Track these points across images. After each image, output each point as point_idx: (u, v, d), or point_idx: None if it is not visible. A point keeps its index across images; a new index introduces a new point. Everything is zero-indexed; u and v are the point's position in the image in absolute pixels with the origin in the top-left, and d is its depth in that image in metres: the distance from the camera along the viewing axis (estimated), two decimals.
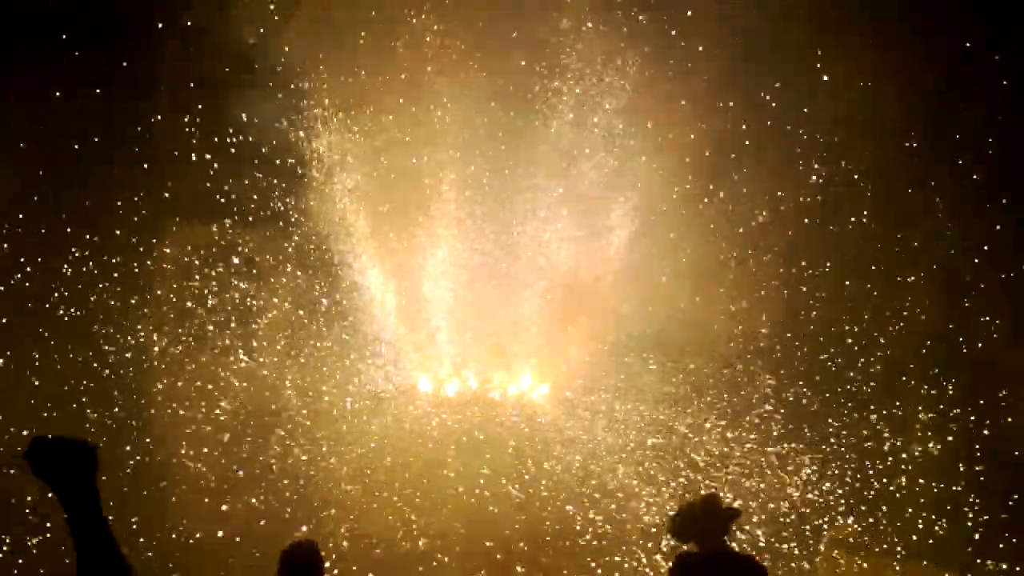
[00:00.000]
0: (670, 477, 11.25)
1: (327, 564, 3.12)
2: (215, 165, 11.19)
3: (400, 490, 10.69)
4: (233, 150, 11.26)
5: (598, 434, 10.30)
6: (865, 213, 9.80)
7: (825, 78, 9.00)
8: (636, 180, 10.12)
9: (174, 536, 10.95)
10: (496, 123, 9.74)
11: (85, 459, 2.08)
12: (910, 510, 9.81)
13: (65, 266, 10.76)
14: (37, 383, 10.10)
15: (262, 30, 9.77)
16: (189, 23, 10.33)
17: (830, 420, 10.58)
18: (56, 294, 10.77)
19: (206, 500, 11.70)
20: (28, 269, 10.60)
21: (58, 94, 10.33)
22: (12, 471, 8.54)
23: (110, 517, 2.15)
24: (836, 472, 10.76)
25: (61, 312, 10.62)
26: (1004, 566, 9.33)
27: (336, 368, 10.83)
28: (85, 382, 10.59)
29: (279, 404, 11.77)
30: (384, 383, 10.21)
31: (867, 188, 9.59)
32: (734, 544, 3.08)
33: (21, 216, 10.74)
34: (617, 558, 9.80)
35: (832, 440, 10.64)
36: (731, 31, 9.00)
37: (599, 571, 9.86)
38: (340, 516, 10.86)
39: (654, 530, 10.87)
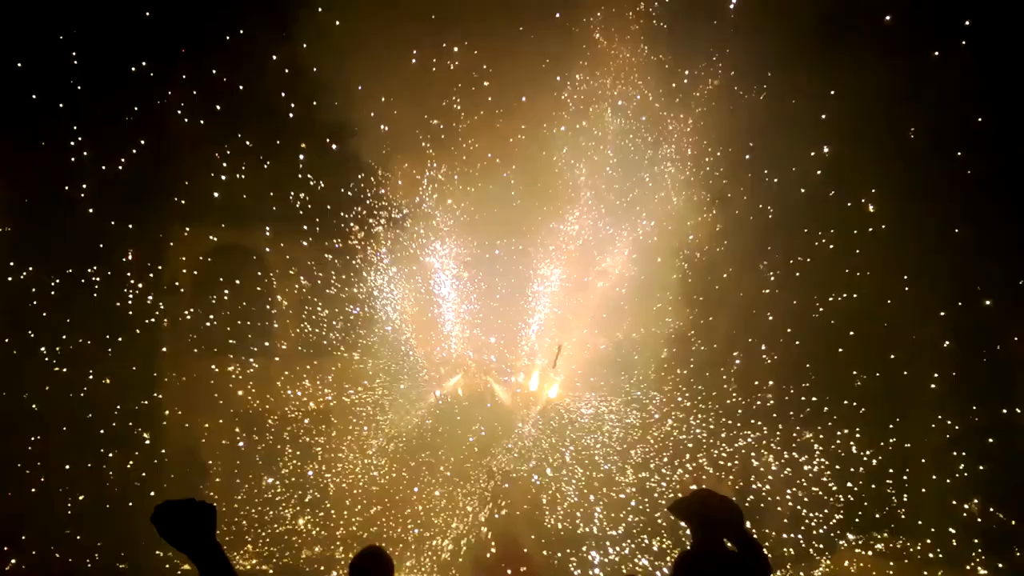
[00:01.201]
0: (671, 476, 11.31)
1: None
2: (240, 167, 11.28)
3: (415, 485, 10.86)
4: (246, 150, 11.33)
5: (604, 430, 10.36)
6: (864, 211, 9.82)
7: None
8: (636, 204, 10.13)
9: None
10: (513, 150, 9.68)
11: (205, 518, 2.29)
12: (913, 510, 9.82)
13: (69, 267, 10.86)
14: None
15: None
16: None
17: (833, 420, 10.61)
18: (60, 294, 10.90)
19: (214, 497, 11.83)
20: (30, 268, 10.70)
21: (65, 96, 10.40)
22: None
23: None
24: (838, 472, 10.78)
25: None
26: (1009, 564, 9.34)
27: (350, 370, 10.87)
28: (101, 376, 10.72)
29: (289, 403, 11.89)
30: (398, 383, 10.24)
31: (868, 191, 9.57)
32: (732, 543, 3.15)
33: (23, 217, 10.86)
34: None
35: (834, 440, 10.68)
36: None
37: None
38: (357, 516, 11.00)
39: (651, 529, 10.97)
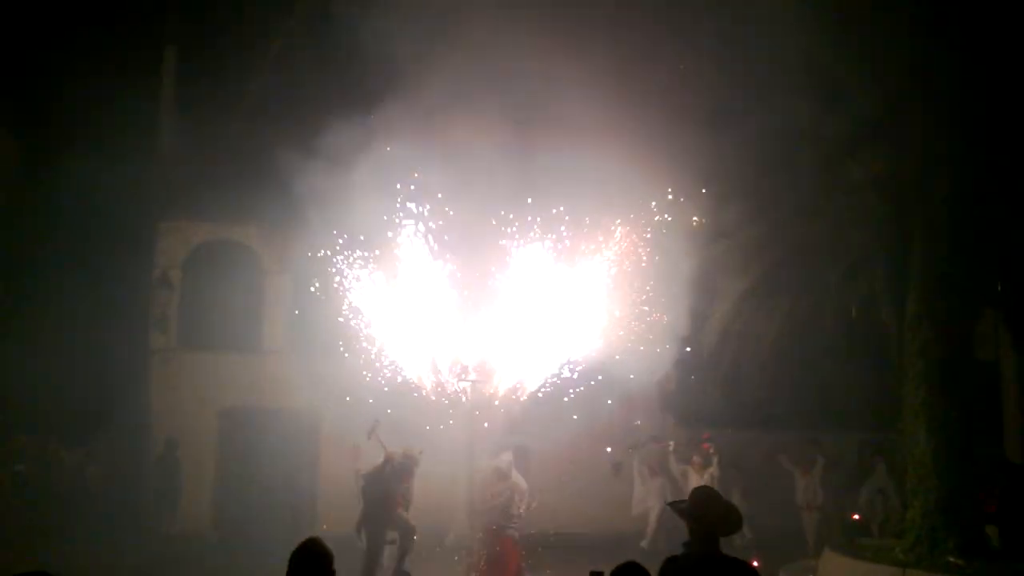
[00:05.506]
0: (667, 473, 11.27)
1: None
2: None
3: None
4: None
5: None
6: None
7: None
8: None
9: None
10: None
11: None
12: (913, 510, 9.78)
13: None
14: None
15: None
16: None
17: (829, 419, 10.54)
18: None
19: (208, 494, 11.83)
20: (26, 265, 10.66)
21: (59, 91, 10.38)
22: None
23: None
24: (835, 472, 10.75)
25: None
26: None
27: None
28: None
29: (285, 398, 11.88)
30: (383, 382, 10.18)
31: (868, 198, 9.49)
32: (724, 547, 3.10)
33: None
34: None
35: (832, 440, 10.64)
36: None
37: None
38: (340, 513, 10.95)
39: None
